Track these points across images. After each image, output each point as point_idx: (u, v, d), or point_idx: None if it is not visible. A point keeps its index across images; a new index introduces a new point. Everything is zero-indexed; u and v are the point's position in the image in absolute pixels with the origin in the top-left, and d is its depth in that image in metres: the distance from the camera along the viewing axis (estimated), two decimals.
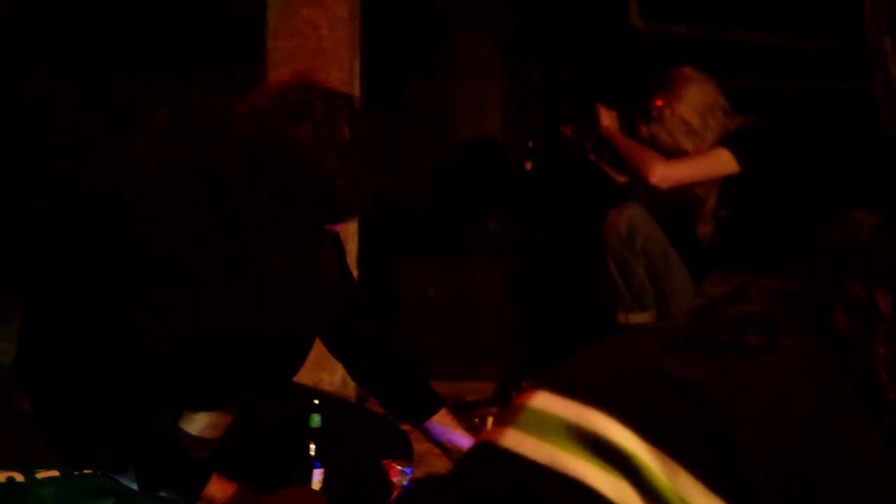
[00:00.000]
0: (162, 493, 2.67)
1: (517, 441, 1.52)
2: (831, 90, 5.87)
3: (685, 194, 4.71)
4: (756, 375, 1.48)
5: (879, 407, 1.46)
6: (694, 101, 4.63)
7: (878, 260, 1.55)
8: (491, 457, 1.53)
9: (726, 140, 4.59)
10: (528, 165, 5.17)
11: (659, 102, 4.67)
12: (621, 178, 4.91)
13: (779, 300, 1.56)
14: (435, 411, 3.24)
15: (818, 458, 1.43)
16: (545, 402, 1.54)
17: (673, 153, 4.66)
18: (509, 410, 1.59)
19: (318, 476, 2.91)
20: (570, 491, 1.44)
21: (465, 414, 4.40)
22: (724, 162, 4.56)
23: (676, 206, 4.77)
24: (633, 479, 1.43)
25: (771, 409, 1.44)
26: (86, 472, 2.65)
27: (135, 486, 2.64)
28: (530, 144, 5.17)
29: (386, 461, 3.12)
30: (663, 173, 4.56)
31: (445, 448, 3.23)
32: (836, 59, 5.65)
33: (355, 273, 4.26)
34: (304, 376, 3.21)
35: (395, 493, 3.06)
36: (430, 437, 3.27)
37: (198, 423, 2.85)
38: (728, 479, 1.41)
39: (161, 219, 2.66)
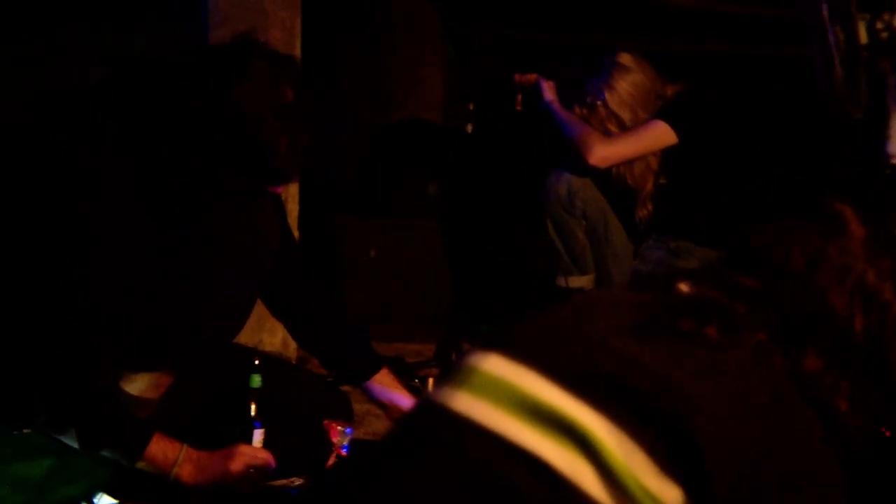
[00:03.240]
0: (104, 453, 2.67)
1: (469, 405, 1.51)
2: (764, 55, 5.90)
3: (620, 184, 4.73)
4: (715, 368, 1.49)
5: (824, 411, 1.49)
6: (626, 96, 4.62)
7: (866, 286, 1.57)
8: (440, 419, 1.52)
9: (662, 112, 4.60)
10: (469, 128, 5.16)
11: (592, 91, 4.66)
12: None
13: (741, 296, 1.57)
14: (376, 371, 3.25)
15: (768, 451, 1.45)
16: (498, 366, 1.53)
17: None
18: (457, 371, 1.58)
19: (258, 436, 2.92)
20: (523, 463, 1.43)
21: (406, 375, 4.42)
22: (661, 135, 4.56)
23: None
24: (589, 455, 1.43)
25: (727, 402, 1.45)
26: (25, 431, 2.65)
27: (76, 446, 2.64)
28: (471, 107, 5.16)
29: (326, 421, 3.13)
30: (602, 153, 4.56)
31: (386, 407, 3.25)
32: (772, 24, 5.67)
33: (296, 234, 4.26)
34: (244, 337, 3.22)
35: (335, 453, 3.07)
36: (371, 396, 3.28)
37: (138, 384, 2.85)
38: (682, 463, 1.42)
39: (94, 180, 2.64)
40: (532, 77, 4.86)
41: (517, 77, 4.90)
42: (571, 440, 1.44)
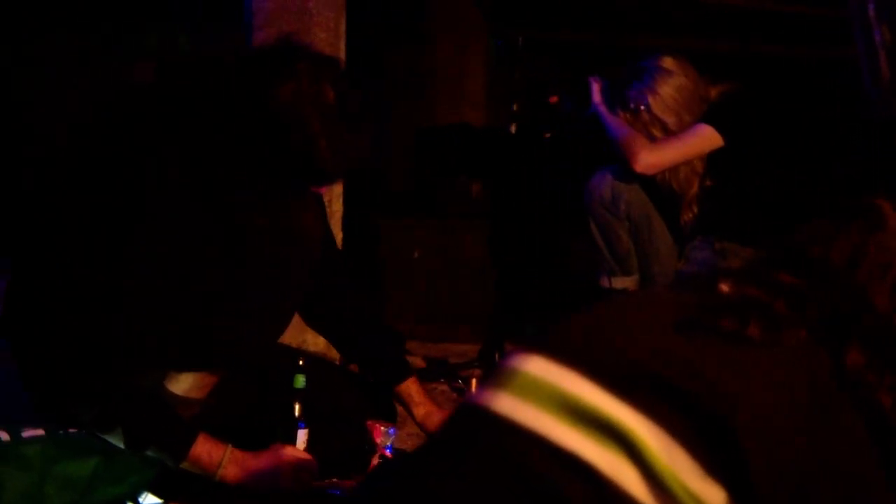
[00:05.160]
0: (148, 453, 2.69)
1: (512, 407, 1.51)
2: (811, 56, 5.87)
3: (665, 188, 4.72)
4: (757, 367, 1.48)
5: (867, 408, 1.48)
6: (670, 100, 4.60)
7: None
8: (483, 420, 1.52)
9: (708, 115, 4.57)
10: (513, 128, 5.16)
11: (636, 96, 4.64)
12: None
13: (783, 294, 1.56)
14: (403, 378, 3.27)
15: (811, 450, 1.44)
16: (541, 368, 1.52)
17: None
18: (498, 372, 1.57)
19: (302, 436, 2.93)
20: (566, 464, 1.43)
21: (449, 375, 4.43)
22: (708, 139, 4.54)
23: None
24: (632, 456, 1.43)
25: (770, 401, 1.44)
26: (71, 431, 2.66)
27: (121, 446, 2.65)
28: (515, 107, 5.16)
29: (370, 422, 3.14)
30: (648, 160, 4.54)
31: (412, 414, 3.27)
32: (817, 24, 5.65)
33: (339, 235, 4.27)
34: (288, 337, 3.22)
35: (379, 453, 3.08)
36: (398, 402, 3.30)
37: (183, 384, 2.86)
38: (725, 464, 1.42)
39: (142, 181, 2.66)
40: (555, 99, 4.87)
41: (551, 99, 4.90)
42: (614, 441, 1.44)
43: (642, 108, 4.61)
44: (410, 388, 3.27)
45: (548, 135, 5.12)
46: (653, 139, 4.59)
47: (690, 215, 4.72)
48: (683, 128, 4.57)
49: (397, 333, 3.46)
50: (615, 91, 4.73)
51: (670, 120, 4.59)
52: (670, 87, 4.60)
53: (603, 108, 4.72)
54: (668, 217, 4.77)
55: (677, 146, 4.56)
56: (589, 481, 1.42)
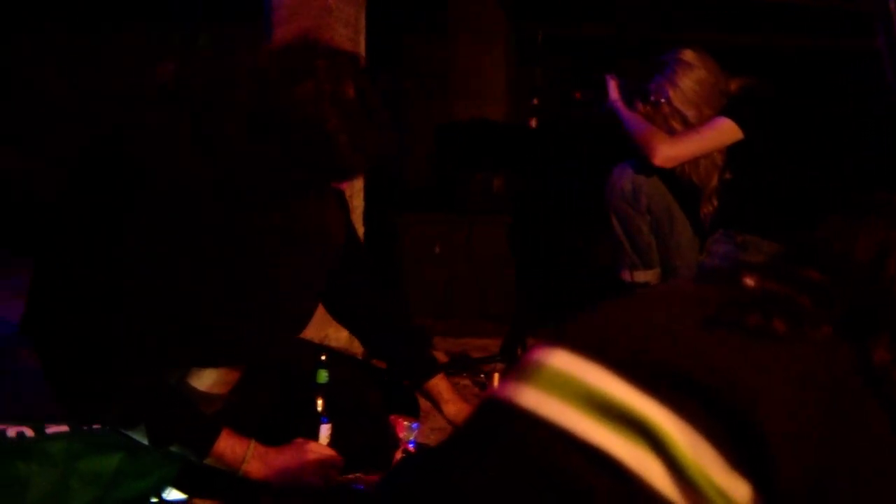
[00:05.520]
0: (172, 449, 2.69)
1: (537, 401, 1.50)
2: (832, 49, 5.85)
3: (685, 181, 4.71)
4: (780, 363, 1.47)
5: (892, 404, 1.47)
6: (691, 93, 4.59)
7: None
8: (507, 415, 1.51)
9: (727, 109, 4.57)
10: (533, 123, 5.15)
11: (656, 89, 4.64)
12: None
13: (807, 289, 1.55)
14: (431, 375, 3.27)
15: (835, 445, 1.43)
16: (565, 362, 1.52)
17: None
18: (522, 366, 1.57)
19: (325, 431, 2.93)
20: (591, 459, 1.42)
21: (471, 370, 4.43)
22: (727, 132, 4.53)
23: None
24: (658, 450, 1.42)
25: (794, 396, 1.44)
26: (95, 427, 2.67)
27: (145, 442, 2.66)
28: (535, 102, 5.15)
29: (393, 416, 3.14)
30: (666, 153, 4.54)
31: (441, 411, 3.27)
32: (839, 17, 5.63)
33: (361, 230, 4.28)
34: (311, 332, 3.23)
35: (402, 448, 3.08)
36: (426, 398, 3.30)
37: (206, 380, 2.87)
38: (750, 459, 1.41)
39: (162, 179, 2.66)
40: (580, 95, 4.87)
41: (577, 95, 4.90)
42: (640, 436, 1.43)
43: (662, 100, 4.61)
44: (439, 384, 3.27)
45: (534, 123, 5.11)
46: (672, 132, 4.59)
47: (710, 208, 4.72)
48: (703, 121, 4.57)
49: (423, 330, 3.47)
50: (635, 84, 4.73)
51: (690, 113, 4.59)
52: (691, 80, 4.60)
53: (620, 105, 4.72)
54: (688, 210, 4.77)
55: (696, 139, 4.55)
56: (615, 476, 1.42)
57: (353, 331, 3.42)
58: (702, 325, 1.51)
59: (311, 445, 2.83)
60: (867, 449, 1.46)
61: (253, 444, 2.73)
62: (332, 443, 2.92)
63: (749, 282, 1.59)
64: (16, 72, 6.52)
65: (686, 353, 1.48)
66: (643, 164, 4.64)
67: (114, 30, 6.40)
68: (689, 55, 4.62)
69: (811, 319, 1.51)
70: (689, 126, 4.58)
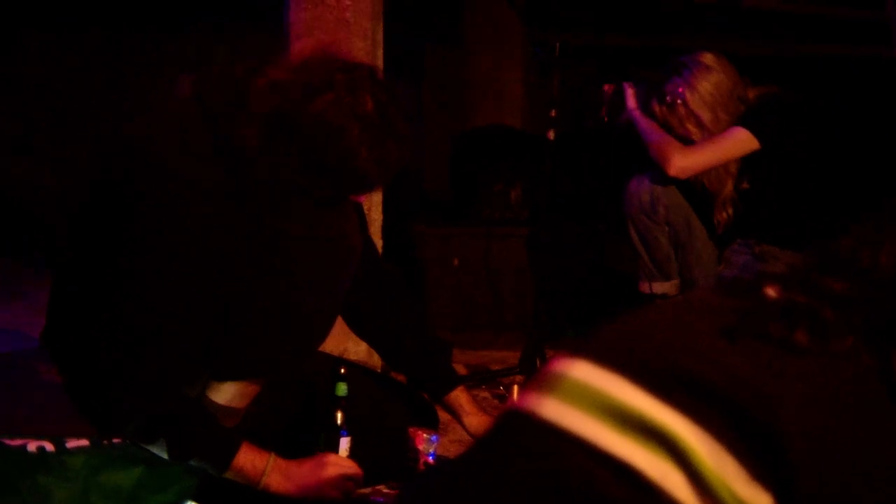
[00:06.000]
0: (192, 463, 2.69)
1: (558, 412, 1.50)
2: (848, 57, 5.84)
3: (697, 187, 4.70)
4: (803, 373, 1.46)
5: None
6: (707, 96, 4.58)
7: None
8: (528, 426, 1.50)
9: (744, 118, 4.56)
10: (551, 134, 5.14)
11: (673, 90, 4.63)
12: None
13: (830, 299, 1.54)
14: (451, 388, 3.26)
15: (857, 456, 1.43)
16: (586, 373, 1.51)
17: (683, 140, 4.63)
18: (543, 378, 1.56)
19: (344, 444, 2.93)
20: (613, 469, 1.42)
21: (490, 382, 4.43)
22: (743, 142, 4.52)
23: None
24: (679, 461, 1.41)
25: (817, 407, 1.43)
26: (115, 441, 2.68)
27: (165, 456, 2.66)
28: (553, 113, 5.14)
29: (412, 429, 3.14)
30: (681, 164, 4.53)
31: (462, 424, 3.26)
32: (857, 26, 5.62)
33: (379, 243, 4.28)
34: (329, 345, 3.23)
35: (422, 461, 3.08)
36: (447, 411, 3.30)
37: (225, 393, 2.87)
38: (772, 470, 1.40)
39: (182, 190, 2.67)
40: (610, 88, 4.86)
41: (605, 87, 4.89)
42: (661, 446, 1.43)
43: (679, 102, 4.60)
44: (460, 397, 3.26)
45: (552, 134, 5.09)
46: (687, 134, 4.59)
47: (724, 216, 4.71)
48: (719, 125, 4.56)
49: (443, 342, 3.46)
50: (653, 85, 4.72)
51: (706, 116, 4.58)
52: (708, 83, 4.59)
53: (638, 114, 4.72)
54: (705, 219, 4.76)
55: (711, 149, 4.55)
56: (636, 487, 1.41)
57: (373, 344, 3.42)
58: (723, 336, 1.50)
59: (331, 458, 2.83)
60: (890, 460, 1.45)
61: (273, 457, 2.73)
62: (352, 456, 2.92)
63: (771, 292, 1.58)
64: (31, 77, 6.55)
65: (707, 362, 1.48)
66: (660, 174, 4.63)
67: (132, 42, 6.42)
68: (708, 58, 4.62)
69: (834, 330, 1.50)
70: (703, 129, 4.58)
